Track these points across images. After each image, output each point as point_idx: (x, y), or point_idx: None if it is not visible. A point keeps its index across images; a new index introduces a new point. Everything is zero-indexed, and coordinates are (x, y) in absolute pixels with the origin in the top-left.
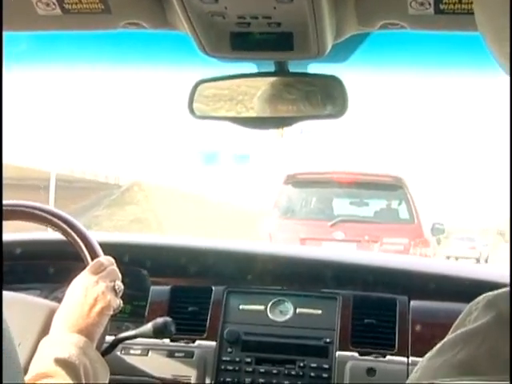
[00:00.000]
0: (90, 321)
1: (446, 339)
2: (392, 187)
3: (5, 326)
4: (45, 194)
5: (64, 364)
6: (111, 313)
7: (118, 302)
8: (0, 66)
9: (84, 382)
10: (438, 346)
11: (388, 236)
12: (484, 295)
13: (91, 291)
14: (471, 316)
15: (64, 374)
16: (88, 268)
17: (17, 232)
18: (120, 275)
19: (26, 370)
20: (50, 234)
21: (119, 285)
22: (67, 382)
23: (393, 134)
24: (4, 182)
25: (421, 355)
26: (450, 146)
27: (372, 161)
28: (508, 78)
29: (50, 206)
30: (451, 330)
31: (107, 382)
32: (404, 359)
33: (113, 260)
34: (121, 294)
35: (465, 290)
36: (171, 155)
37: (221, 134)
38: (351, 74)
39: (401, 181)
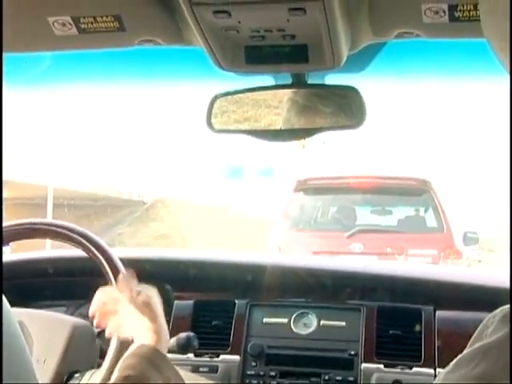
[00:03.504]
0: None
1: (463, 354)
2: (417, 191)
3: (16, 335)
4: (69, 211)
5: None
6: None
7: None
8: (0, 73)
9: None
10: (455, 360)
11: (414, 247)
12: (501, 308)
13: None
14: (488, 330)
15: None
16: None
17: (33, 250)
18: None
19: None
20: (75, 251)
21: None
22: None
23: (419, 139)
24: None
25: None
26: (482, 150)
27: (398, 168)
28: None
29: (69, 223)
30: (469, 343)
31: None
32: (431, 371)
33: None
34: None
35: (491, 298)
36: (194, 171)
37: (245, 148)
38: (370, 83)
39: (427, 184)
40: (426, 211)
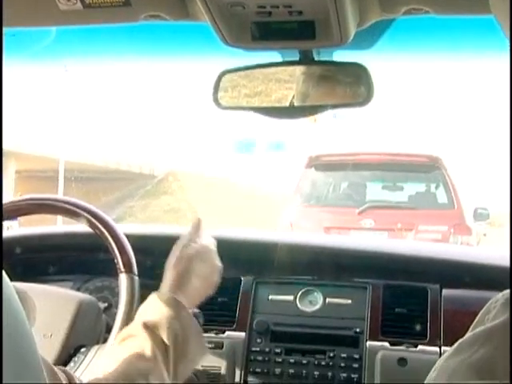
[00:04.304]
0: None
1: (464, 338)
2: (428, 168)
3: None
4: (76, 185)
5: (151, 326)
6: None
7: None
8: (0, 65)
9: (172, 346)
10: (456, 344)
11: (424, 223)
12: (503, 292)
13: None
14: (490, 314)
15: (146, 336)
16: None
17: (40, 225)
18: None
19: (57, 360)
20: (82, 227)
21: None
22: (149, 343)
23: (430, 116)
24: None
25: (453, 345)
26: (493, 126)
27: (409, 143)
28: None
29: (76, 199)
30: (471, 327)
31: (201, 348)
32: (436, 349)
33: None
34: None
35: (497, 277)
36: (205, 145)
37: (256, 122)
38: (379, 60)
39: (438, 161)
40: (436, 187)
